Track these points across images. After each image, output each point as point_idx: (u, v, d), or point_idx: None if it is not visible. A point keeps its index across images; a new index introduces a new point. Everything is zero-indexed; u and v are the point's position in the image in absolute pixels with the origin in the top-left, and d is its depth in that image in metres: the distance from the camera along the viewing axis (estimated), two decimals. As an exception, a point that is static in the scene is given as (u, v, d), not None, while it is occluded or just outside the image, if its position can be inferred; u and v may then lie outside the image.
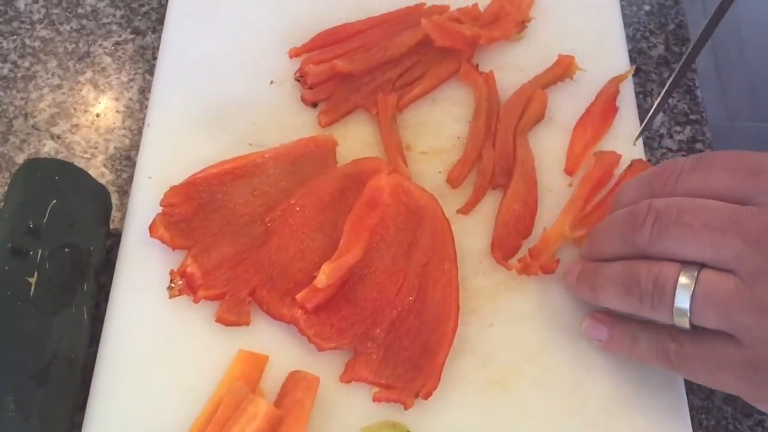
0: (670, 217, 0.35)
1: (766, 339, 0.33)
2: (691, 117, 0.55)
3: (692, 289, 0.34)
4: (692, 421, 0.42)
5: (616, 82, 0.51)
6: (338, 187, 0.46)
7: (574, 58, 0.51)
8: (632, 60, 0.57)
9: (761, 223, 0.33)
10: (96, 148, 0.51)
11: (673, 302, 0.35)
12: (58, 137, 0.51)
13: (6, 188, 0.45)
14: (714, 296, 0.34)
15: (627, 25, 0.57)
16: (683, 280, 0.34)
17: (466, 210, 0.46)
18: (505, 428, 0.40)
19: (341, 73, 0.49)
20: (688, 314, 0.34)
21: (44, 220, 0.41)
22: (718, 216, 0.34)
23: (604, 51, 0.53)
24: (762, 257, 0.32)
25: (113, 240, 0.47)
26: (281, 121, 0.49)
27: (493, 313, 0.43)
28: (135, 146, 0.51)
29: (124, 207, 0.48)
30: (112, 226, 0.47)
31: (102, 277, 0.45)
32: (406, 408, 0.40)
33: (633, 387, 0.41)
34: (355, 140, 0.49)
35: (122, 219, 0.47)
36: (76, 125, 0.51)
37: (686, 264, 0.35)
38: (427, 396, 0.40)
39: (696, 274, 0.34)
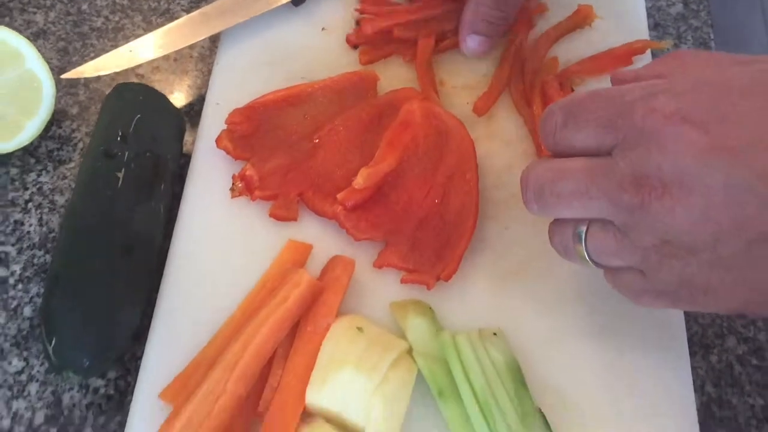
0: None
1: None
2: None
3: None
4: (686, 315, 0.47)
5: (646, 45, 0.55)
6: (376, 112, 0.52)
7: (592, 7, 0.57)
8: (649, 16, 0.62)
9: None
10: (173, 84, 0.59)
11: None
12: (142, 76, 0.59)
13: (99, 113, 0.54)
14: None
15: (646, -17, 0.62)
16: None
17: (480, 111, 0.54)
18: (515, 310, 0.46)
19: (396, 37, 0.56)
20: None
21: (130, 130, 0.49)
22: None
23: (622, 6, 0.59)
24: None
25: (185, 159, 0.54)
26: (329, 61, 0.56)
27: (509, 218, 0.49)
28: (206, 85, 0.59)
29: (194, 133, 0.56)
30: (184, 149, 0.55)
31: (176, 188, 0.53)
32: (428, 288, 0.46)
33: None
34: (393, 77, 0.56)
35: (193, 142, 0.55)
36: (157, 67, 0.60)
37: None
38: (447, 278, 0.46)
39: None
